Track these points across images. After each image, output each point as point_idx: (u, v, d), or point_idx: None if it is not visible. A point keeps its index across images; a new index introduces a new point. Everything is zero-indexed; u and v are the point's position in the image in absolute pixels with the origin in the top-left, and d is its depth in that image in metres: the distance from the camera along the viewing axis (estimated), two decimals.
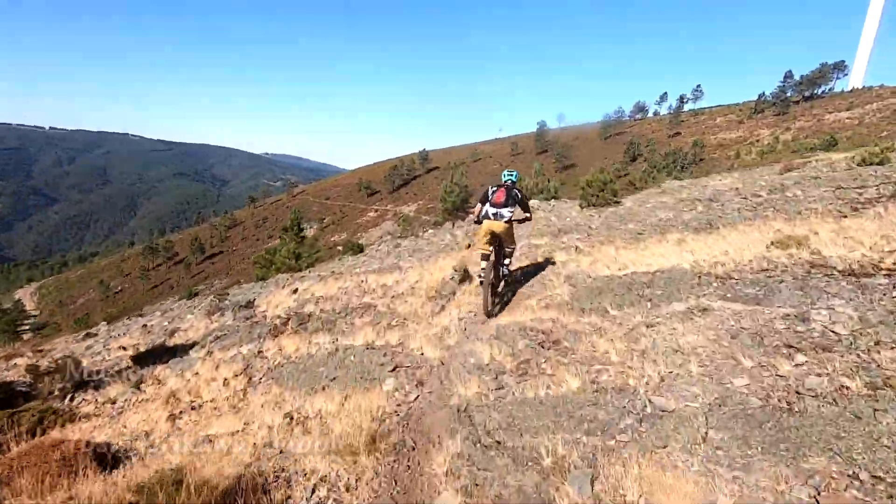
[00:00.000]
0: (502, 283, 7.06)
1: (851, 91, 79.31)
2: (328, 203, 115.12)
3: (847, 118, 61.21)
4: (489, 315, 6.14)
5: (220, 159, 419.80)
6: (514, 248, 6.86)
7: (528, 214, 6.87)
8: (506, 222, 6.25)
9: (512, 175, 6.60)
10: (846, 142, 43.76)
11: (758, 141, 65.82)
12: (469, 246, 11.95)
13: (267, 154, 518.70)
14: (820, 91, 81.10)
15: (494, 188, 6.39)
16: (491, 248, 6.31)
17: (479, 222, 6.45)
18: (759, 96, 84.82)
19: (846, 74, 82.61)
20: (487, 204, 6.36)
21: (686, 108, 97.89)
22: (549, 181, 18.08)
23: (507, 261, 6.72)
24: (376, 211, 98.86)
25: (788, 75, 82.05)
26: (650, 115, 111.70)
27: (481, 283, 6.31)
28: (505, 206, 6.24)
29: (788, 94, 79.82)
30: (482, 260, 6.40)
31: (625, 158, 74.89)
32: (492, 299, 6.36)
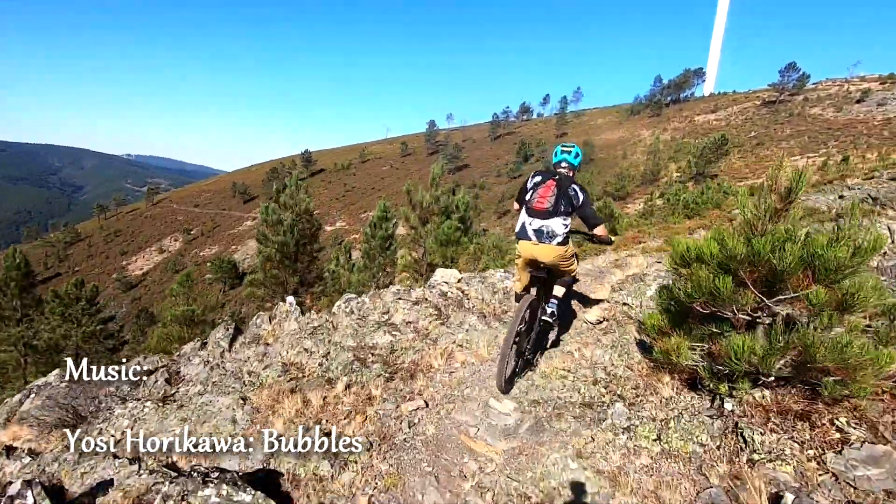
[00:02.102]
0: (533, 335, 3.81)
1: (710, 96, 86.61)
2: (197, 211, 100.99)
3: (714, 119, 65.65)
4: (503, 389, 3.59)
5: (68, 161, 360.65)
6: (571, 279, 3.96)
7: (597, 232, 3.51)
8: (558, 244, 3.40)
9: (569, 153, 3.53)
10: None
11: (640, 141, 68.19)
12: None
13: (129, 155, 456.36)
14: (684, 95, 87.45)
15: (538, 178, 3.51)
16: (527, 284, 3.78)
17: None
18: (635, 98, 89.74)
19: (704, 80, 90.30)
20: (523, 210, 3.51)
21: (568, 109, 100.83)
22: (453, 193, 12.57)
23: (553, 300, 3.81)
24: (254, 219, 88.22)
25: (658, 79, 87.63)
26: (535, 115, 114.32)
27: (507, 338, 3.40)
28: (554, 213, 3.36)
29: (659, 98, 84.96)
30: (515, 300, 4.31)
31: (517, 159, 73.90)
32: (514, 363, 3.65)
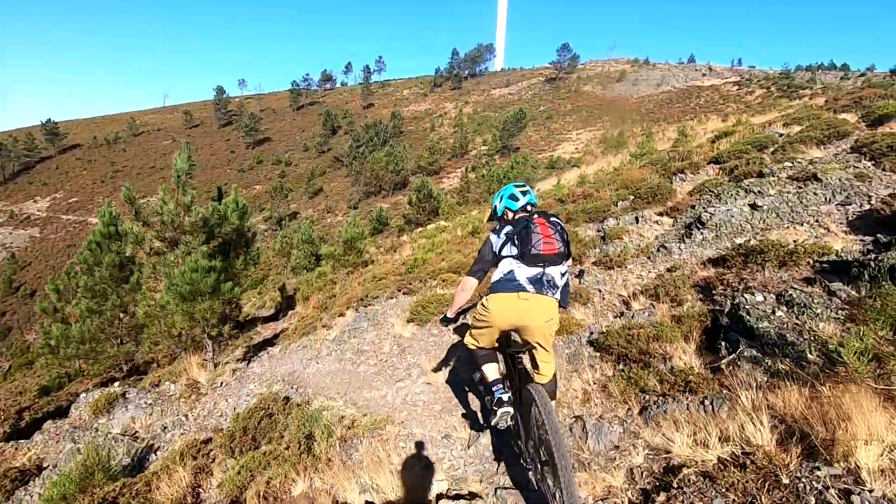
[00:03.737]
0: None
1: (502, 71, 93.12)
2: None
3: (509, 94, 70.36)
4: None
5: None
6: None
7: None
8: (557, 300, 2.68)
9: (531, 193, 2.96)
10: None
11: (445, 114, 69.44)
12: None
13: None
14: (479, 69, 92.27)
15: (510, 227, 2.74)
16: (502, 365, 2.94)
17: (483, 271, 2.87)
18: (436, 71, 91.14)
19: (495, 55, 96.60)
20: (513, 259, 2.65)
21: (372, 79, 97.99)
22: (218, 197, 8.75)
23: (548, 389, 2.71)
24: None
25: (455, 52, 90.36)
26: (339, 84, 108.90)
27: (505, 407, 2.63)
28: (560, 259, 2.66)
29: (457, 71, 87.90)
30: (485, 363, 2.84)
31: (324, 131, 68.71)
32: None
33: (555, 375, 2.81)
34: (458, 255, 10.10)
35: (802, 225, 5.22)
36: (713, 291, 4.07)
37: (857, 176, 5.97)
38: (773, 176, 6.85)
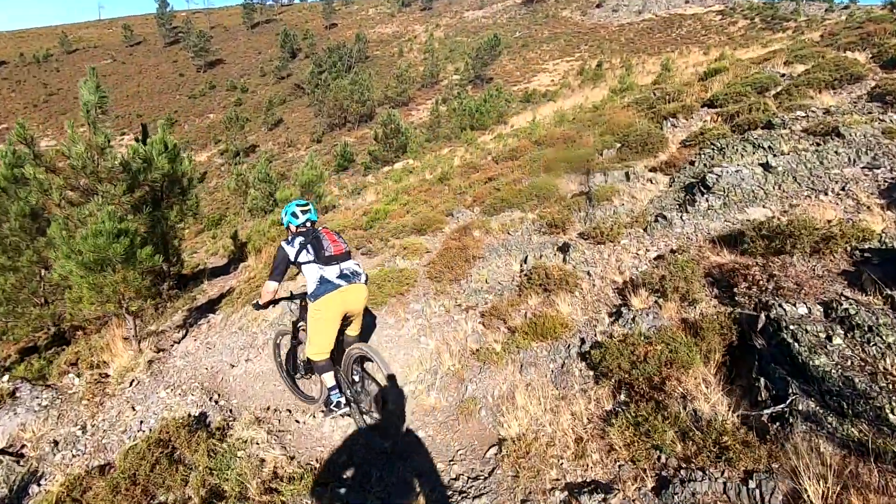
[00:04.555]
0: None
1: None
2: None
3: (483, 17, 65.76)
4: None
5: None
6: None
7: None
8: (365, 282, 3.44)
9: (311, 211, 3.52)
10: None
11: (415, 37, 64.74)
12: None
13: None
14: None
15: (301, 237, 3.34)
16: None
17: (308, 298, 3.35)
18: None
19: None
20: (313, 263, 3.26)
21: None
22: (143, 138, 7.33)
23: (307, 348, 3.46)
24: None
25: None
26: (297, 0, 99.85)
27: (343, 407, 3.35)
28: (348, 256, 3.42)
29: None
30: (324, 373, 3.32)
31: (283, 54, 63.30)
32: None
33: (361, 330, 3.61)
34: (425, 207, 9.06)
35: (827, 194, 4.41)
36: (734, 290, 3.27)
37: (884, 132, 5.14)
38: (784, 128, 5.95)
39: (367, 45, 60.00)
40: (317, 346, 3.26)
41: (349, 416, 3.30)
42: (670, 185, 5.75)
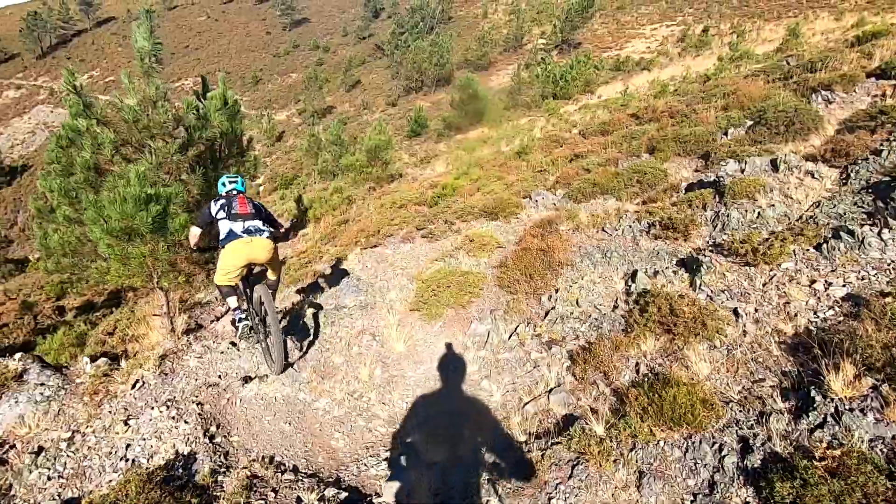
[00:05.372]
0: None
1: None
2: None
3: None
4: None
5: None
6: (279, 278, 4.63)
7: (283, 229, 4.65)
8: (269, 238, 4.07)
9: (236, 182, 4.37)
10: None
11: None
12: None
13: None
14: None
15: (223, 200, 4.14)
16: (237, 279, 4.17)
17: (211, 247, 4.44)
18: None
19: None
20: (226, 219, 4.05)
21: None
22: (202, 94, 6.54)
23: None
24: (18, 88, 65.55)
25: None
26: None
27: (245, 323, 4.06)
28: (253, 217, 4.09)
29: None
30: (228, 296, 4.13)
31: (366, 13, 62.69)
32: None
33: (279, 278, 4.40)
34: (498, 185, 7.87)
35: None
36: None
37: None
38: None
39: (451, 4, 57.76)
40: (220, 274, 4.00)
41: (251, 335, 3.90)
42: (844, 183, 4.16)
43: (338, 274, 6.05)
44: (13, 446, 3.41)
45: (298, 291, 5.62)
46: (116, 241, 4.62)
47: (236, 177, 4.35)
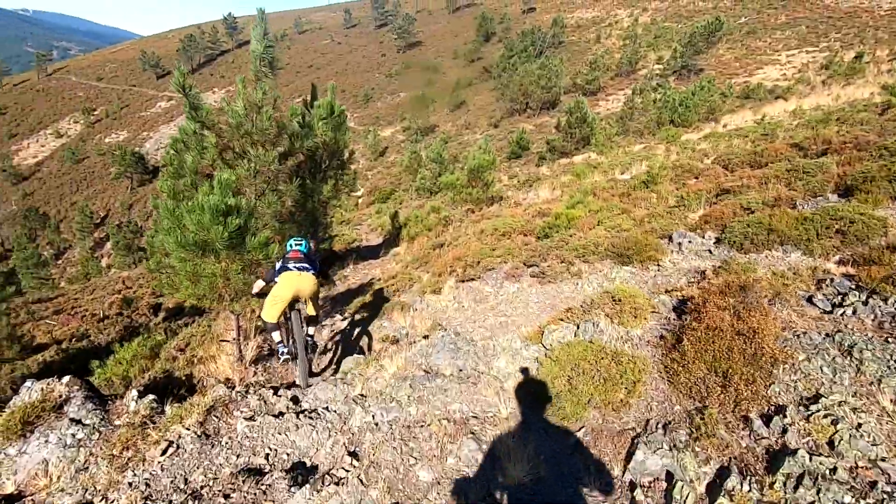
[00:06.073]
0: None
1: None
2: (101, 86, 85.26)
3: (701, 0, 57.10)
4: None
5: None
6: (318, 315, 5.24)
7: (325, 278, 5.41)
8: (313, 274, 4.67)
9: (301, 245, 4.88)
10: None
11: (616, 22, 59.34)
12: None
13: (24, 11, 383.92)
14: None
15: (284, 260, 4.75)
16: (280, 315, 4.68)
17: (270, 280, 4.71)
18: None
19: None
20: (281, 263, 4.69)
21: None
22: (309, 104, 5.99)
23: (311, 329, 4.98)
24: (169, 99, 75.07)
25: None
26: None
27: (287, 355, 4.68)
28: (305, 261, 4.71)
29: None
30: (273, 331, 4.64)
31: (477, 37, 63.63)
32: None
33: (318, 315, 4.92)
34: (623, 218, 6.58)
35: None
36: None
37: None
38: None
39: (563, 29, 56.65)
40: (267, 307, 4.37)
41: (291, 360, 4.51)
42: None
43: (427, 314, 5.16)
44: (31, 496, 2.85)
45: (383, 339, 4.82)
46: (190, 255, 4.11)
47: (301, 239, 4.81)
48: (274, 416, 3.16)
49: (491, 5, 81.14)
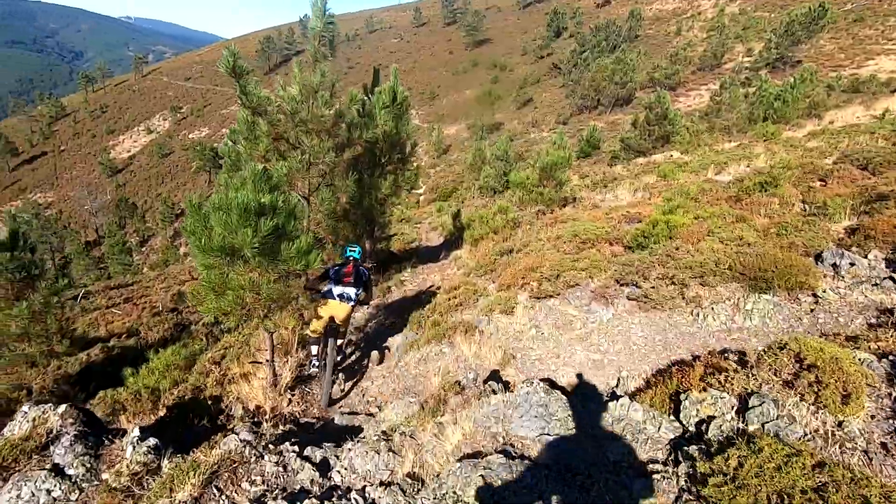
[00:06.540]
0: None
1: None
2: (188, 86, 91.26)
3: None
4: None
5: (64, 23, 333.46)
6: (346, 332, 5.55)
7: (368, 295, 5.45)
8: (351, 306, 4.95)
9: (355, 251, 5.21)
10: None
11: (699, 14, 55.22)
12: None
13: (127, 18, 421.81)
14: None
15: (339, 264, 5.12)
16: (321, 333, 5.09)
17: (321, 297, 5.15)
18: None
19: None
20: (331, 282, 4.99)
21: None
22: (366, 98, 5.06)
23: (340, 341, 5.22)
24: None
25: None
26: None
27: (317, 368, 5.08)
28: (354, 285, 5.00)
29: None
30: (313, 345, 5.05)
31: (548, 33, 61.62)
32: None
33: (346, 332, 5.15)
34: (743, 228, 5.29)
35: None
36: None
37: None
38: None
39: (641, 22, 53.44)
40: (314, 323, 4.85)
41: (320, 373, 4.84)
42: None
43: (497, 340, 4.20)
44: None
45: (443, 379, 3.91)
46: (216, 262, 3.40)
47: (356, 246, 5.17)
48: (290, 496, 2.32)
49: (563, 0, 78.59)
